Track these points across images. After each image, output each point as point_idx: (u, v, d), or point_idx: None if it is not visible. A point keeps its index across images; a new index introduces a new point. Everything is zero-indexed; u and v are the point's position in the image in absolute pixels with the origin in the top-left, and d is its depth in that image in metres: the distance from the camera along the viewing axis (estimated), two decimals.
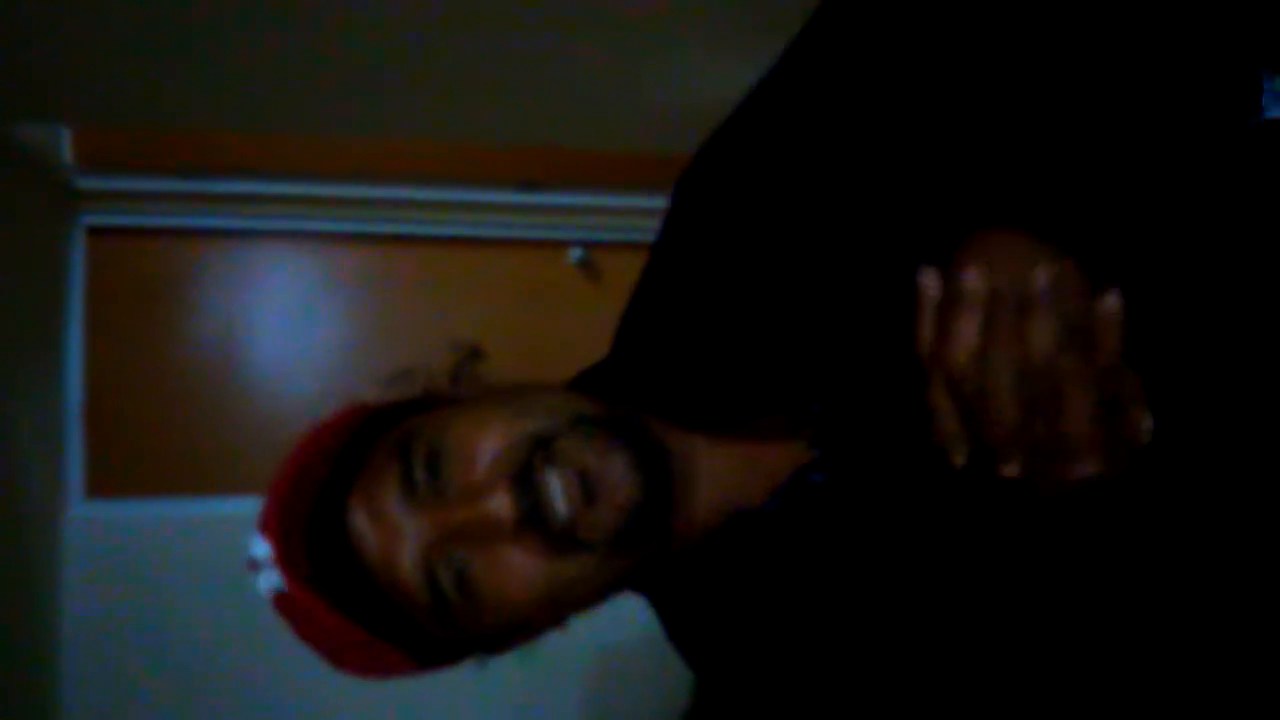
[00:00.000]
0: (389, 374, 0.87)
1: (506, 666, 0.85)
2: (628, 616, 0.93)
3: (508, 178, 2.91)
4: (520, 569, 0.73)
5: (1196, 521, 0.68)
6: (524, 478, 0.72)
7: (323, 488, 0.77)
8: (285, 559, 0.74)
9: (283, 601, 0.75)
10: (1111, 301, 0.56)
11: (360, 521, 0.76)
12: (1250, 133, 0.69)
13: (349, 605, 0.75)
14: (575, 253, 2.95)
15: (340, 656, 0.78)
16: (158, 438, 2.71)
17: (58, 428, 2.63)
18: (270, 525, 0.74)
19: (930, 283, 0.59)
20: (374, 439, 0.79)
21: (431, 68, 1.96)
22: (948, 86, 0.72)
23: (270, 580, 0.75)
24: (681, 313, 0.81)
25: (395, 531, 0.75)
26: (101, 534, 2.62)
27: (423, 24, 1.75)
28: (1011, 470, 0.58)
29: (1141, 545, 0.68)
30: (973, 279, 0.57)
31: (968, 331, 0.57)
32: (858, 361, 0.75)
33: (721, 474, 0.78)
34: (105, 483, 2.68)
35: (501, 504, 0.72)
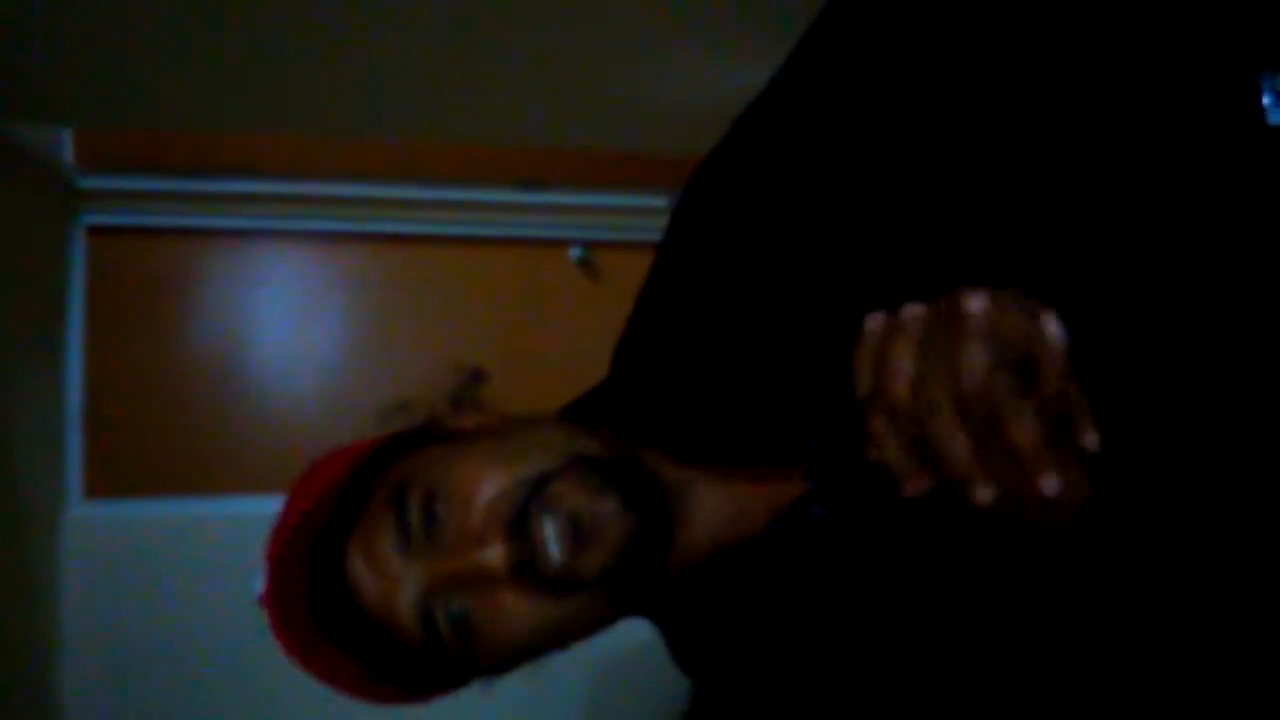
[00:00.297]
0: (386, 408, 0.88)
1: (503, 688, 0.86)
2: (627, 642, 0.94)
3: (508, 177, 2.90)
4: (517, 613, 0.75)
5: (1175, 535, 0.68)
6: (519, 525, 0.73)
7: (322, 533, 0.78)
8: (284, 616, 0.76)
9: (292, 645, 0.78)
10: (1052, 326, 0.56)
11: (358, 568, 0.77)
12: (1253, 138, 0.69)
13: (349, 644, 0.77)
14: (575, 252, 2.95)
15: (344, 690, 0.80)
16: (158, 438, 2.71)
17: (57, 428, 2.62)
18: (270, 570, 0.76)
19: (873, 323, 0.60)
20: (373, 478, 0.80)
21: (432, 68, 1.96)
22: (944, 92, 0.72)
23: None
24: (678, 345, 0.82)
25: (392, 578, 0.76)
26: (101, 534, 2.61)
27: (423, 25, 1.75)
28: (984, 497, 0.58)
29: (1123, 566, 0.68)
30: (908, 311, 0.58)
31: (903, 361, 0.58)
32: (852, 396, 0.75)
33: (719, 507, 0.79)
34: (105, 483, 2.67)
35: (497, 554, 0.73)
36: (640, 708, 2.61)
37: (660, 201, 2.90)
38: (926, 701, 0.71)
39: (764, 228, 0.78)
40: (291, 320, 2.83)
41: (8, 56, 1.80)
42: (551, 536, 0.73)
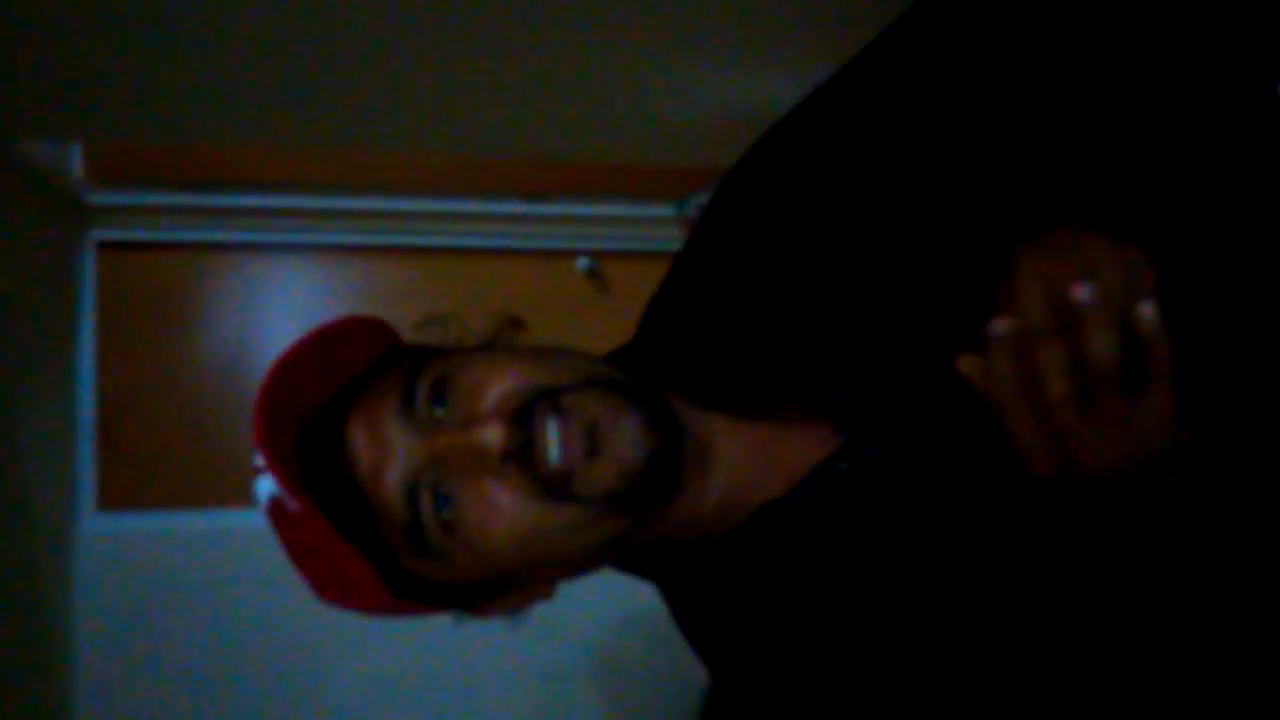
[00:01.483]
0: (424, 316, 0.87)
1: (520, 668, 0.84)
2: (640, 615, 0.93)
3: (515, 189, 2.91)
4: (502, 505, 0.73)
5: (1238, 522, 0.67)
6: (522, 416, 0.72)
7: (329, 402, 0.77)
8: (273, 455, 0.73)
9: (274, 510, 0.75)
10: (1151, 312, 0.58)
11: (357, 435, 0.76)
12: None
13: (335, 515, 0.74)
14: (583, 262, 2.96)
15: (318, 572, 0.76)
16: (169, 451, 2.72)
17: (69, 441, 2.64)
18: (265, 429, 0.74)
19: (1003, 327, 0.61)
20: (393, 361, 0.79)
21: (440, 82, 1.97)
22: (985, 85, 0.73)
23: (266, 488, 0.74)
24: (709, 292, 0.80)
25: (387, 449, 0.74)
26: (113, 547, 2.63)
27: (430, 40, 1.76)
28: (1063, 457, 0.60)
29: (1181, 547, 0.67)
30: (1020, 315, 0.60)
31: (1051, 365, 0.60)
32: (889, 347, 0.74)
33: (739, 457, 0.78)
34: (117, 495, 2.68)
35: (492, 435, 0.71)
36: (654, 702, 2.60)
37: (667, 211, 2.91)
38: (954, 673, 0.69)
39: (804, 182, 0.77)
40: (301, 332, 2.83)
41: (16, 72, 1.81)
42: (554, 434, 0.71)
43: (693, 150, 2.38)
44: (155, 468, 2.71)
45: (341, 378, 0.78)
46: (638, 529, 0.76)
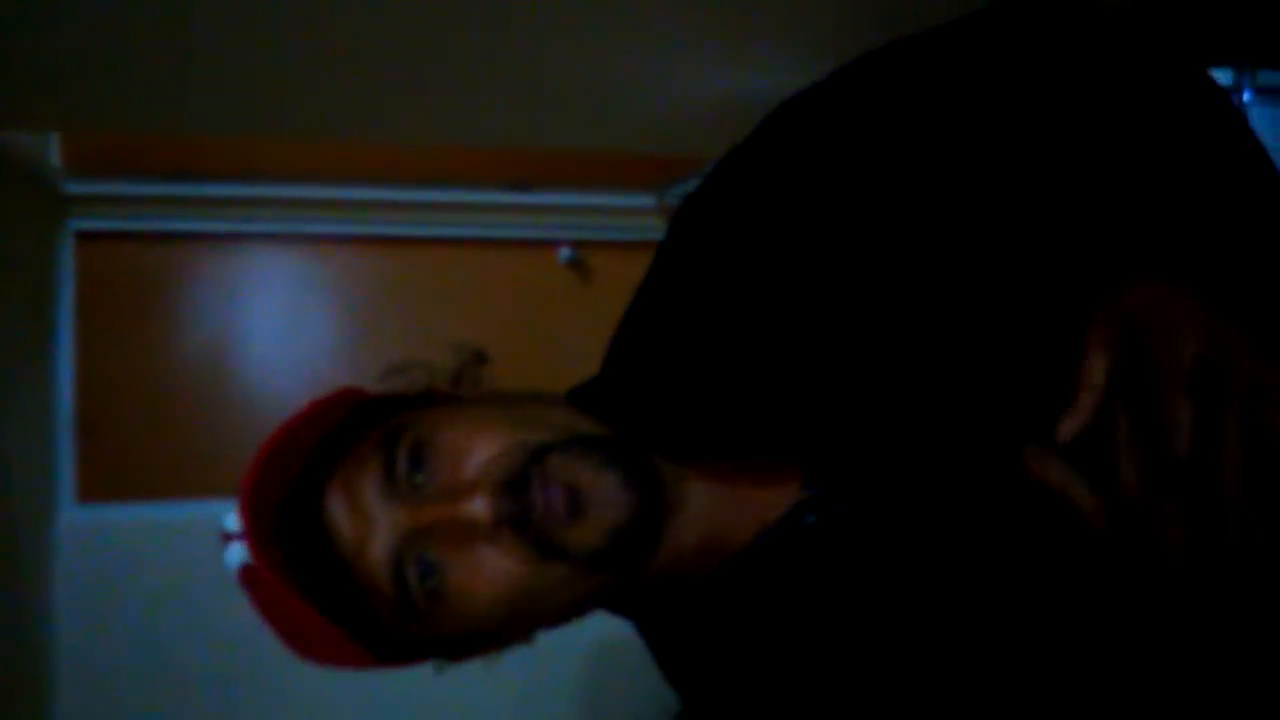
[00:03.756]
0: (387, 367, 0.86)
1: (495, 684, 0.84)
2: (617, 641, 0.93)
3: (497, 178, 2.91)
4: (490, 570, 0.72)
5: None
6: (512, 485, 0.72)
7: (304, 469, 0.76)
8: (255, 536, 0.72)
9: (248, 578, 0.74)
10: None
11: (337, 507, 0.75)
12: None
13: (315, 590, 0.73)
14: (565, 252, 2.96)
15: (299, 642, 0.76)
16: (149, 441, 2.71)
17: (49, 432, 2.62)
18: (246, 501, 0.73)
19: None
20: (364, 429, 0.78)
21: (421, 72, 1.97)
22: (955, 121, 0.73)
23: (237, 555, 0.73)
24: (676, 342, 0.80)
25: (370, 521, 0.74)
26: (93, 538, 2.62)
27: (411, 29, 1.75)
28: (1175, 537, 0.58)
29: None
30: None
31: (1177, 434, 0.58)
32: (859, 403, 0.74)
33: (711, 509, 0.78)
34: (97, 486, 2.67)
35: (481, 507, 0.71)
36: (636, 703, 2.61)
37: (649, 201, 2.91)
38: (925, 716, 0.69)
39: (769, 230, 0.76)
40: (281, 323, 2.83)
41: None
42: (544, 501, 0.71)
43: (675, 140, 2.38)
44: (135, 459, 2.70)
45: (309, 448, 0.77)
46: (620, 583, 0.76)
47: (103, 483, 2.67)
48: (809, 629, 0.74)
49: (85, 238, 2.71)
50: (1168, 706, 0.66)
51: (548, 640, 0.83)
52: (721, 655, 0.77)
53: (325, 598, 0.74)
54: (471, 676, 0.87)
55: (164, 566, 2.59)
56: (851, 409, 0.74)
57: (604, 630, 0.88)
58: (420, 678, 0.86)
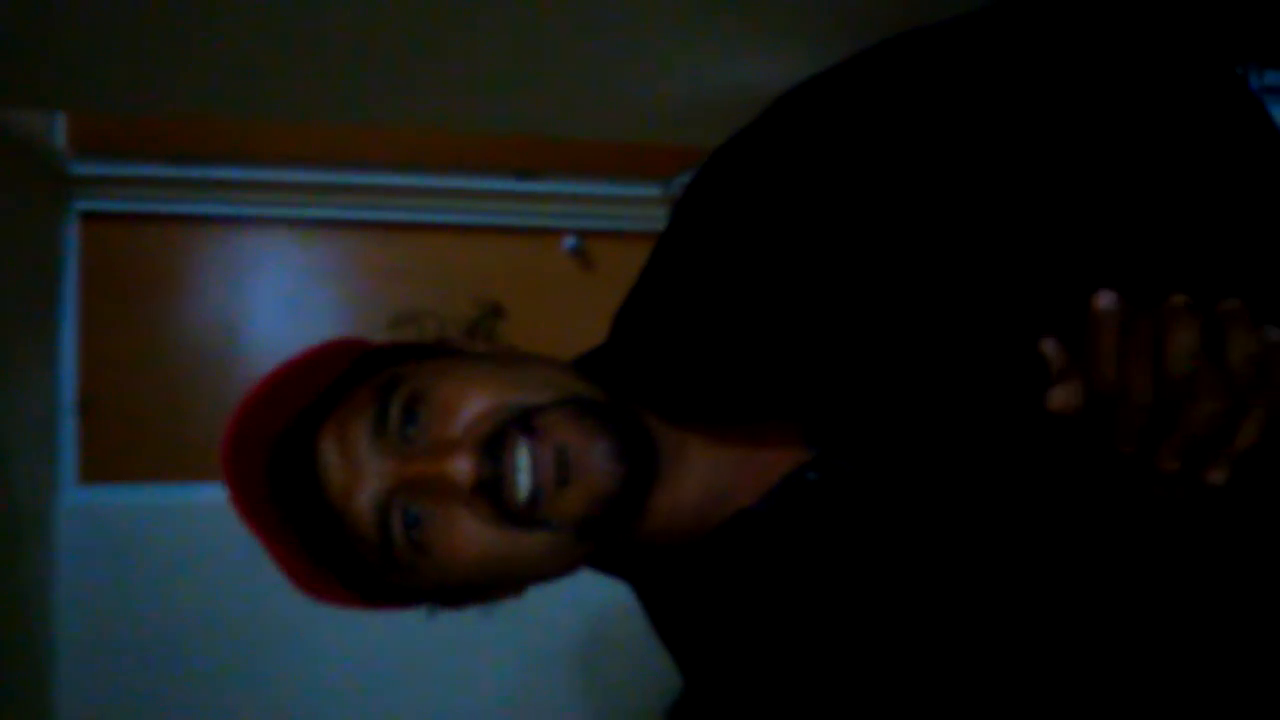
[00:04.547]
0: (398, 314, 0.85)
1: (495, 650, 0.84)
2: (618, 601, 0.93)
3: (502, 166, 2.91)
4: (471, 533, 0.72)
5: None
6: (493, 446, 0.71)
7: (302, 412, 0.76)
8: (233, 471, 0.73)
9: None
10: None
11: (328, 451, 0.75)
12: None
13: (304, 528, 0.74)
14: (569, 241, 2.95)
15: (289, 574, 0.76)
16: (152, 423, 2.72)
17: (51, 413, 2.63)
18: (228, 437, 0.73)
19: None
20: (365, 376, 0.78)
21: (427, 57, 1.96)
22: (959, 108, 0.73)
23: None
24: (681, 306, 0.80)
25: (358, 468, 0.74)
26: (95, 520, 2.63)
27: (417, 13, 1.75)
28: (1170, 463, 0.61)
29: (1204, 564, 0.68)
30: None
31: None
32: (858, 361, 0.74)
33: (712, 471, 0.78)
34: (99, 468, 2.68)
35: (463, 467, 0.71)
36: (631, 688, 2.62)
37: (653, 191, 2.90)
38: (927, 682, 0.69)
39: (776, 195, 0.77)
40: (284, 306, 2.84)
41: (1, 42, 1.80)
42: (524, 466, 0.71)
43: (681, 130, 2.37)
44: (138, 440, 2.70)
45: (310, 393, 0.77)
46: (610, 545, 0.76)
47: (105, 465, 2.68)
48: (813, 585, 0.74)
49: (89, 218, 2.71)
50: (1158, 658, 0.68)
51: (545, 602, 0.82)
52: (722, 615, 0.77)
53: (315, 536, 0.75)
54: (470, 638, 0.87)
55: (165, 548, 2.60)
56: (847, 368, 0.75)
57: (602, 594, 0.87)
58: (421, 650, 0.87)
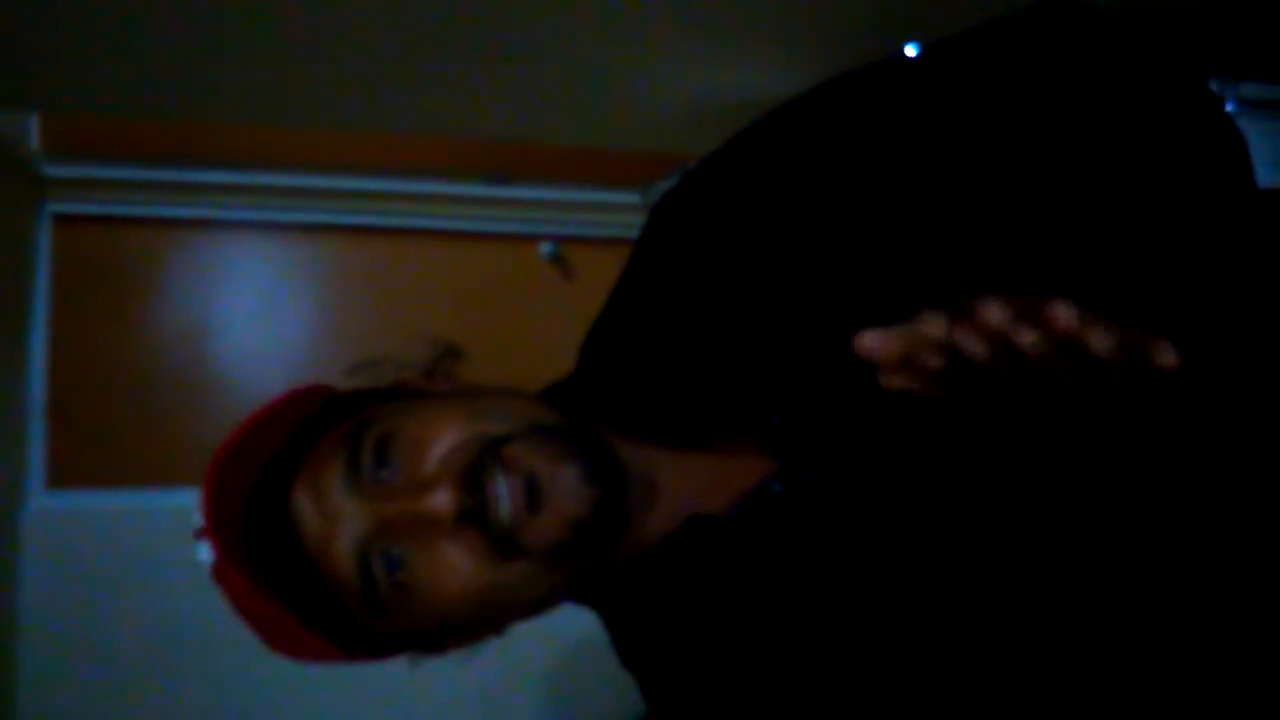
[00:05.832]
0: (356, 362, 0.86)
1: (460, 688, 0.84)
2: (582, 636, 0.94)
3: (478, 171, 2.90)
4: (454, 567, 0.73)
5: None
6: (471, 477, 0.72)
7: (271, 464, 0.76)
8: (216, 532, 0.73)
9: (218, 574, 0.74)
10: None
11: (302, 502, 0.75)
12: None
13: (282, 585, 0.74)
14: (545, 247, 2.95)
15: (269, 636, 0.76)
16: (122, 428, 2.69)
17: (20, 417, 2.60)
18: (207, 496, 0.73)
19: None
20: (331, 424, 0.78)
21: (406, 62, 1.96)
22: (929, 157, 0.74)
23: (207, 552, 0.74)
24: (644, 326, 0.81)
25: (335, 516, 0.74)
26: (63, 525, 2.59)
27: (394, 19, 1.75)
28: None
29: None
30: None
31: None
32: (816, 373, 0.75)
33: (681, 488, 0.79)
34: (67, 473, 2.65)
35: (443, 499, 0.71)
36: (605, 698, 2.61)
37: (631, 198, 2.90)
38: (892, 692, 0.70)
39: (736, 216, 0.78)
40: (258, 311, 2.82)
41: None
42: (504, 494, 0.71)
43: (659, 137, 2.38)
44: (107, 445, 2.67)
45: (277, 441, 0.77)
46: (589, 571, 0.77)
47: (73, 469, 2.65)
48: (778, 595, 0.74)
49: (62, 220, 2.68)
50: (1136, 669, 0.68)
51: (510, 637, 0.83)
52: (683, 630, 0.78)
53: (294, 592, 0.74)
54: (439, 673, 0.86)
55: (134, 554, 2.57)
56: (807, 382, 0.76)
57: (567, 628, 0.88)
58: (396, 674, 0.86)
